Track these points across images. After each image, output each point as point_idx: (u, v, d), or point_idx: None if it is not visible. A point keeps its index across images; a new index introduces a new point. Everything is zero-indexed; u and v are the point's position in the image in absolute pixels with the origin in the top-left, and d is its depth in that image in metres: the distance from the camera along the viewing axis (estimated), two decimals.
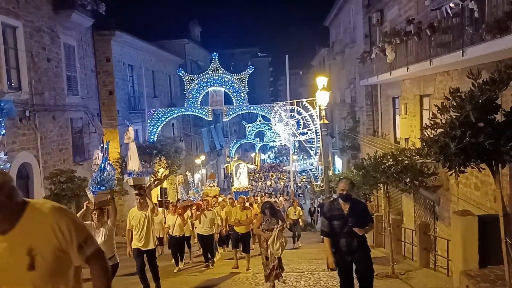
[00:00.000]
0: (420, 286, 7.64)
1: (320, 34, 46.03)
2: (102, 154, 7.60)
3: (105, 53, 20.04)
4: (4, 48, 12.68)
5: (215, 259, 11.70)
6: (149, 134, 22.87)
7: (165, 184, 22.07)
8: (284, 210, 17.97)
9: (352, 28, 22.89)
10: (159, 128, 23.40)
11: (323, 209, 6.18)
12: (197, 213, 10.98)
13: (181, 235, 10.98)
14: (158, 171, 20.07)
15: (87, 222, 6.65)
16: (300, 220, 16.45)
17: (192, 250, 12.70)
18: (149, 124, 23.00)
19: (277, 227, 7.76)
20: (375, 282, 8.19)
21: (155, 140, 22.32)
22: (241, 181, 25.02)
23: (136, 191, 8.22)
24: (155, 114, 23.33)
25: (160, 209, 14.59)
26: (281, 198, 26.99)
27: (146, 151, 19.27)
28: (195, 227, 11.36)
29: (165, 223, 12.14)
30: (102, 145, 8.36)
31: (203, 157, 32.60)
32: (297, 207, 16.57)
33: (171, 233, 10.93)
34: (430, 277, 8.38)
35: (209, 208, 11.19)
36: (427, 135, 4.70)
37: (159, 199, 18.97)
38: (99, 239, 6.43)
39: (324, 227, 5.65)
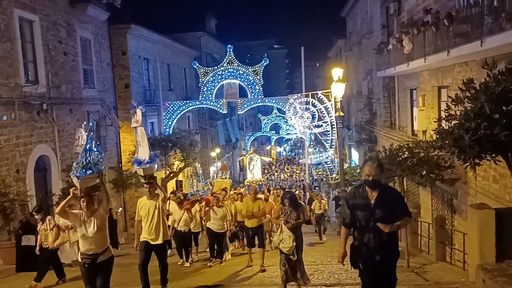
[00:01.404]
0: (436, 279, 7.54)
1: (336, 25, 45.47)
2: (86, 133, 6.53)
3: (121, 47, 20.19)
4: (21, 42, 12.85)
5: (227, 258, 10.78)
6: (164, 127, 23.02)
7: (180, 177, 22.22)
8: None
9: (369, 19, 22.57)
10: (175, 121, 23.52)
11: (345, 196, 5.22)
12: (206, 208, 10.28)
13: (187, 230, 10.32)
14: (173, 164, 20.21)
15: (74, 211, 6.01)
16: (325, 213, 15.85)
17: (199, 247, 11.66)
18: (164, 117, 23.13)
19: (286, 220, 7.01)
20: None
21: (170, 133, 22.47)
22: (254, 174, 24.93)
23: (145, 180, 7.40)
24: (170, 107, 23.45)
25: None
26: (297, 192, 26.86)
27: (161, 144, 19.40)
28: (204, 222, 10.76)
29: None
30: (85, 122, 7.30)
31: (218, 150, 32.69)
32: (322, 200, 15.82)
33: (176, 227, 10.23)
34: (446, 271, 8.26)
35: (220, 204, 10.33)
36: (441, 127, 4.58)
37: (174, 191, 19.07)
38: (90, 229, 5.78)
39: (345, 216, 4.78)
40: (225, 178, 22.29)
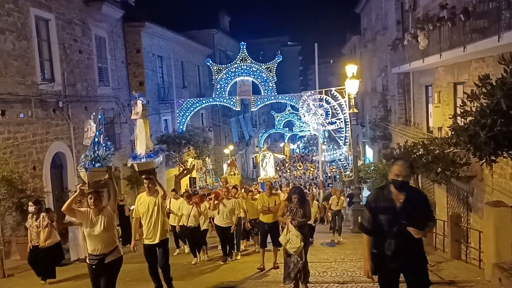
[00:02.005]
0: (451, 278, 7.44)
1: (351, 21, 45.15)
2: (95, 125, 6.14)
3: (135, 44, 20.34)
4: (37, 41, 13.04)
5: (237, 257, 10.27)
6: (178, 124, 23.15)
7: (194, 174, 22.32)
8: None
9: (384, 15, 22.35)
10: (188, 118, 23.64)
11: (367, 198, 4.70)
12: (215, 202, 9.79)
13: (197, 226, 9.85)
14: (187, 161, 20.32)
15: (81, 208, 5.69)
16: (342, 210, 14.48)
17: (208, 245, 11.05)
18: (178, 114, 23.26)
19: (292, 218, 6.59)
20: None
21: (184, 130, 22.58)
22: (267, 171, 24.84)
23: (144, 176, 6.92)
24: (184, 104, 23.57)
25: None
26: (314, 190, 26.68)
27: (175, 141, 19.52)
28: (212, 217, 10.46)
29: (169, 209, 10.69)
30: (93, 114, 6.88)
31: (231, 147, 32.75)
32: (341, 197, 14.45)
33: (185, 224, 9.85)
34: (461, 269, 8.16)
35: (229, 197, 9.91)
36: (456, 124, 4.51)
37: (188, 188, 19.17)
38: (98, 228, 5.45)
39: (365, 221, 4.28)
40: (234, 174, 21.65)
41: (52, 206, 12.38)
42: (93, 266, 5.52)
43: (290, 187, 17.00)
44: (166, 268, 6.88)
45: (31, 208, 8.53)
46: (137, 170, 7.06)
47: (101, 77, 17.06)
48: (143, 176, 6.91)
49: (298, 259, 6.55)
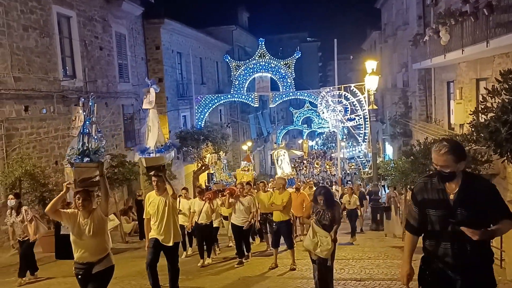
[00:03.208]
0: None
1: (371, 17, 44.72)
2: (84, 113, 5.24)
3: (154, 41, 20.53)
4: (59, 38, 13.27)
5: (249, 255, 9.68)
6: (196, 120, 23.30)
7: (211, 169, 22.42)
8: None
9: (405, 10, 22.01)
10: (207, 114, 23.77)
11: (412, 189, 3.74)
12: (230, 200, 9.20)
13: (208, 223, 9.20)
14: (205, 157, 20.43)
15: (68, 210, 4.91)
16: (358, 209, 13.83)
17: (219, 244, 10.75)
18: (196, 111, 23.41)
19: (318, 221, 5.87)
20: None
21: (202, 126, 22.71)
22: (283, 168, 24.63)
23: (153, 173, 6.25)
24: (202, 101, 23.70)
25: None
26: (333, 187, 26.40)
27: (193, 137, 19.65)
28: (224, 215, 10.03)
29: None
30: (82, 99, 5.73)
31: (249, 144, 32.80)
32: (353, 195, 13.84)
33: (196, 220, 9.21)
34: None
35: (245, 194, 9.23)
36: (476, 120, 4.42)
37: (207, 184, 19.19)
38: (86, 233, 4.70)
39: (411, 218, 3.41)
40: (248, 170, 20.29)
41: (73, 201, 12.63)
42: (79, 276, 4.79)
43: (306, 184, 16.72)
44: (176, 271, 6.25)
45: (12, 202, 7.90)
46: (144, 165, 6.33)
47: (121, 73, 17.28)
48: (152, 173, 6.28)
49: (328, 262, 5.86)
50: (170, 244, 6.11)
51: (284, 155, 24.91)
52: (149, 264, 6.02)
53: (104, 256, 4.81)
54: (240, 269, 8.72)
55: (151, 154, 6.25)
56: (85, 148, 4.90)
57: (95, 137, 5.06)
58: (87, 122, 5.11)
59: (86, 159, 4.84)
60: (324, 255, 5.79)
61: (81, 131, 5.06)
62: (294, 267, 8.14)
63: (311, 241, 5.87)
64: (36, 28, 12.12)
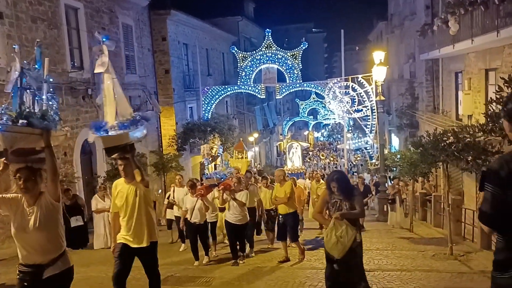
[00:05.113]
0: (480, 268, 7.32)
1: (377, 7, 44.29)
2: (21, 65, 3.78)
3: (161, 32, 20.46)
4: (67, 29, 13.28)
5: (252, 254, 9.13)
6: (203, 112, 23.31)
7: (218, 161, 22.47)
8: None
9: None
10: (213, 106, 23.77)
11: (489, 168, 2.57)
12: (225, 196, 8.26)
13: (202, 222, 8.31)
14: (212, 148, 20.46)
15: (9, 195, 3.60)
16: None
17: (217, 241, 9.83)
18: (203, 102, 23.41)
19: (338, 216, 4.70)
20: (431, 263, 8.02)
21: (209, 117, 22.73)
22: (294, 161, 24.57)
23: (116, 155, 4.82)
24: (209, 92, 23.68)
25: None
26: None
27: (200, 129, 19.67)
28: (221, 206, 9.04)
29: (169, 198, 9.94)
30: (15, 46, 4.23)
31: (256, 135, 32.81)
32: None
33: (188, 219, 8.31)
34: (491, 260, 8.00)
35: (241, 188, 8.38)
36: (492, 110, 4.39)
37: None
38: (30, 224, 3.50)
39: (487, 206, 2.48)
40: (241, 157, 18.88)
41: (82, 191, 12.73)
42: (25, 284, 3.54)
43: (313, 177, 16.16)
44: (156, 277, 4.98)
45: None
46: (102, 147, 4.83)
47: (128, 65, 17.28)
48: (115, 156, 4.85)
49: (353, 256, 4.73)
50: (144, 244, 4.78)
51: (296, 148, 24.82)
52: (116, 275, 4.70)
53: (58, 256, 3.61)
54: (251, 259, 8.70)
55: (109, 132, 4.67)
56: (23, 109, 3.57)
57: (44, 97, 3.77)
58: (38, 68, 3.83)
59: (22, 122, 3.45)
60: (337, 255, 4.71)
61: (18, 85, 3.69)
62: (303, 257, 8.24)
63: (332, 234, 4.74)
64: (44, 19, 12.12)
